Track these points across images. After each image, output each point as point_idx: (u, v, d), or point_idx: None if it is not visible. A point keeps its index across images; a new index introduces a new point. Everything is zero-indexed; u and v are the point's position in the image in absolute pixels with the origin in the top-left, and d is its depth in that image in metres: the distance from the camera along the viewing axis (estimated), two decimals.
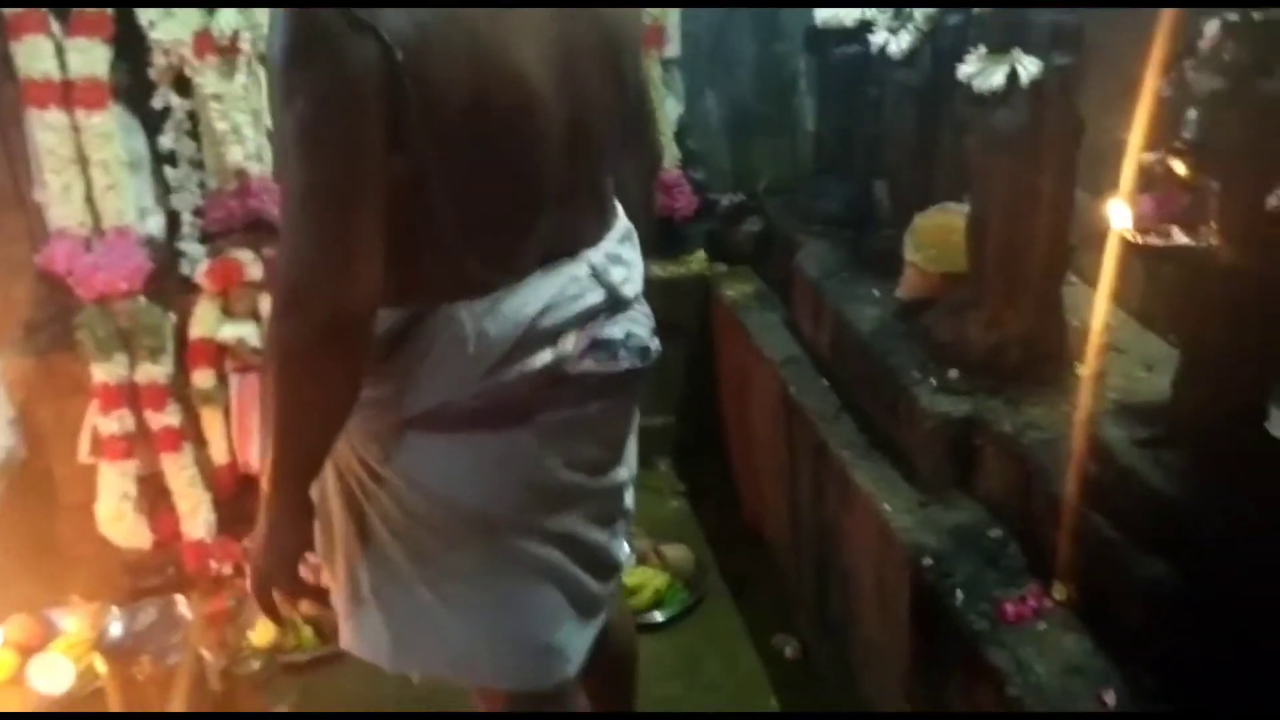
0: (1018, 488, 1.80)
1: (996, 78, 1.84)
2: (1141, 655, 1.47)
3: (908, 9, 2.28)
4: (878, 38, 2.35)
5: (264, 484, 1.38)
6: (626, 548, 1.70)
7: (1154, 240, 1.37)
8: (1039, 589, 1.65)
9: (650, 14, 2.92)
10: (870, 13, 2.51)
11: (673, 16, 2.99)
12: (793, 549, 2.59)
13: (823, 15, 2.63)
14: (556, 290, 1.41)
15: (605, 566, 1.62)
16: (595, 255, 1.47)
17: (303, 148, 1.21)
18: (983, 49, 1.90)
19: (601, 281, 1.46)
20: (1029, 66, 1.81)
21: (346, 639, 1.59)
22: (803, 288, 2.63)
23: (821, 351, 2.51)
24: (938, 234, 2.21)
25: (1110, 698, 1.43)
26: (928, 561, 1.78)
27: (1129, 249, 1.42)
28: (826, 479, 2.26)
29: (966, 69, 1.91)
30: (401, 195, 1.25)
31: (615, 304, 1.48)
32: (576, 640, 1.58)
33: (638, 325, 1.53)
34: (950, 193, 2.26)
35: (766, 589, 2.72)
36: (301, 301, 1.24)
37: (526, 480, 1.47)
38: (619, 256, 1.51)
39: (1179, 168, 1.33)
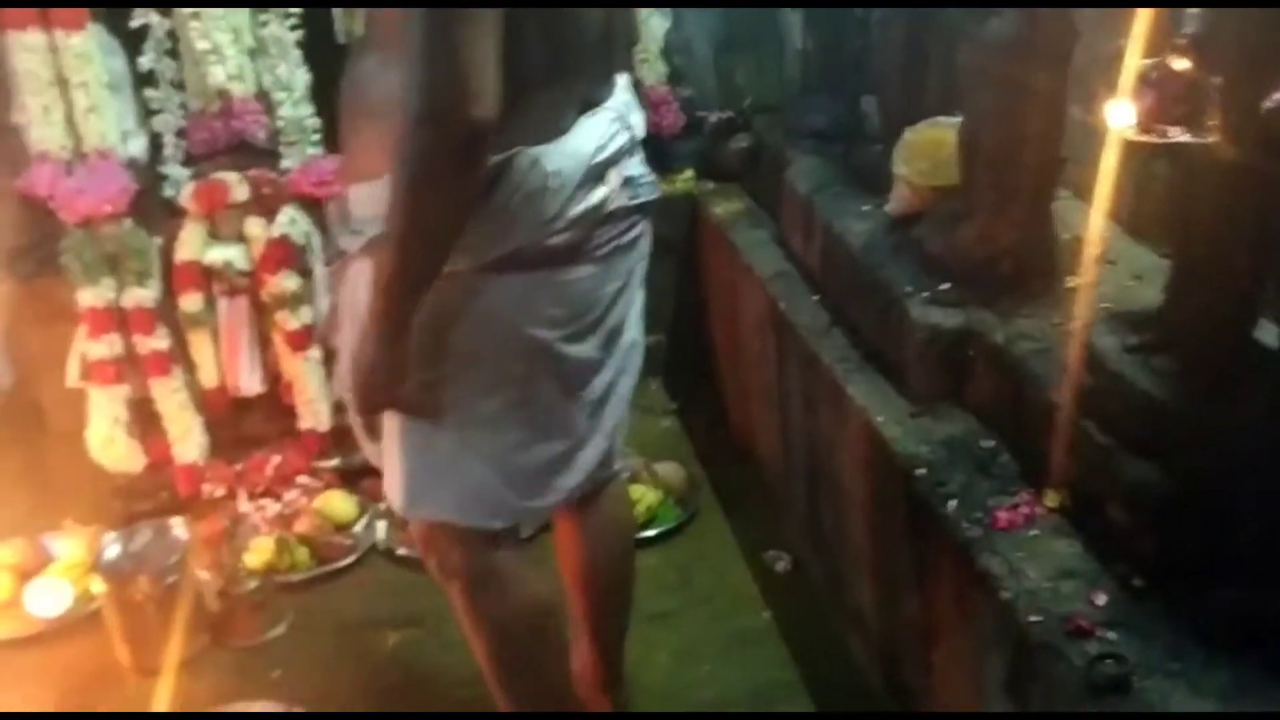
0: (1009, 398, 1.81)
1: None
2: (1132, 557, 1.49)
3: None
4: None
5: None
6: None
7: (1153, 138, 1.37)
8: (1031, 496, 1.67)
9: None
10: None
11: None
12: (784, 464, 2.61)
13: None
14: (600, 132, 1.57)
15: (612, 406, 1.76)
16: (616, 101, 1.62)
17: None
18: None
19: (624, 124, 1.62)
20: None
21: (387, 489, 1.71)
22: (792, 203, 2.62)
23: (811, 267, 2.51)
24: (928, 148, 2.20)
25: (1101, 599, 1.46)
26: (921, 472, 1.80)
27: (1127, 149, 1.41)
28: (817, 393, 2.27)
29: None
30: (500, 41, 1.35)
31: (633, 145, 1.65)
32: (570, 484, 1.74)
33: (643, 165, 1.70)
34: (940, 107, 2.25)
35: (758, 504, 2.75)
36: (437, 114, 1.32)
37: (588, 309, 1.63)
38: (630, 103, 1.67)
39: (1180, 64, 1.32)
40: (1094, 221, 1.74)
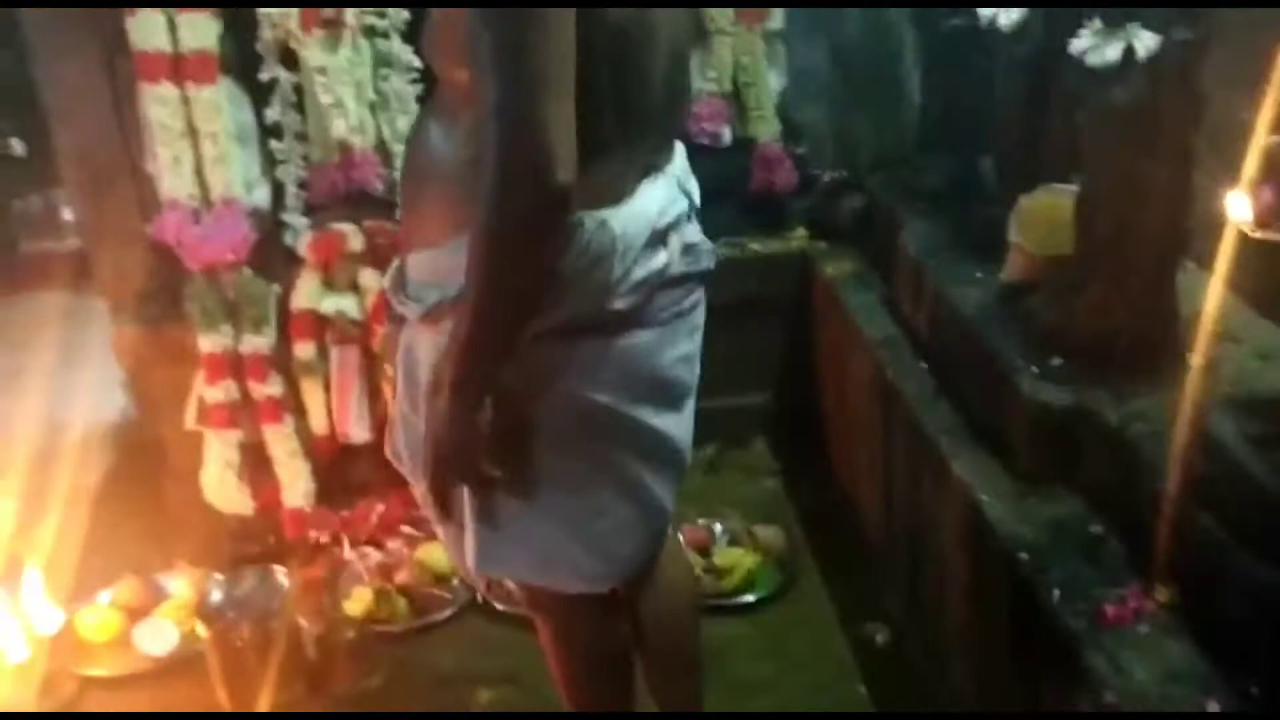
0: (1121, 482, 1.73)
1: (1111, 53, 1.76)
2: (1248, 662, 1.40)
3: None
4: (987, 10, 2.27)
5: (455, 371, 1.44)
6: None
7: (1273, 235, 1.30)
8: (1141, 590, 1.59)
9: None
10: None
11: None
12: (886, 533, 2.54)
13: None
14: (663, 197, 1.57)
15: (679, 471, 1.73)
16: (675, 167, 1.64)
17: (520, 44, 1.30)
18: (1098, 23, 1.82)
19: (683, 190, 1.63)
20: (1146, 42, 1.72)
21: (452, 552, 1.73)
22: (904, 266, 2.57)
23: (921, 332, 2.46)
24: (1044, 215, 2.14)
25: (1213, 707, 1.38)
26: (1024, 555, 1.73)
27: (1246, 242, 1.34)
28: (922, 464, 2.21)
29: (1080, 43, 1.83)
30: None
31: (691, 212, 1.66)
32: (644, 552, 1.74)
33: (700, 232, 1.69)
34: (1059, 172, 2.18)
35: (859, 573, 2.68)
36: (522, 179, 1.32)
37: (648, 375, 1.61)
38: (687, 169, 1.68)
39: None
40: (1217, 296, 1.66)
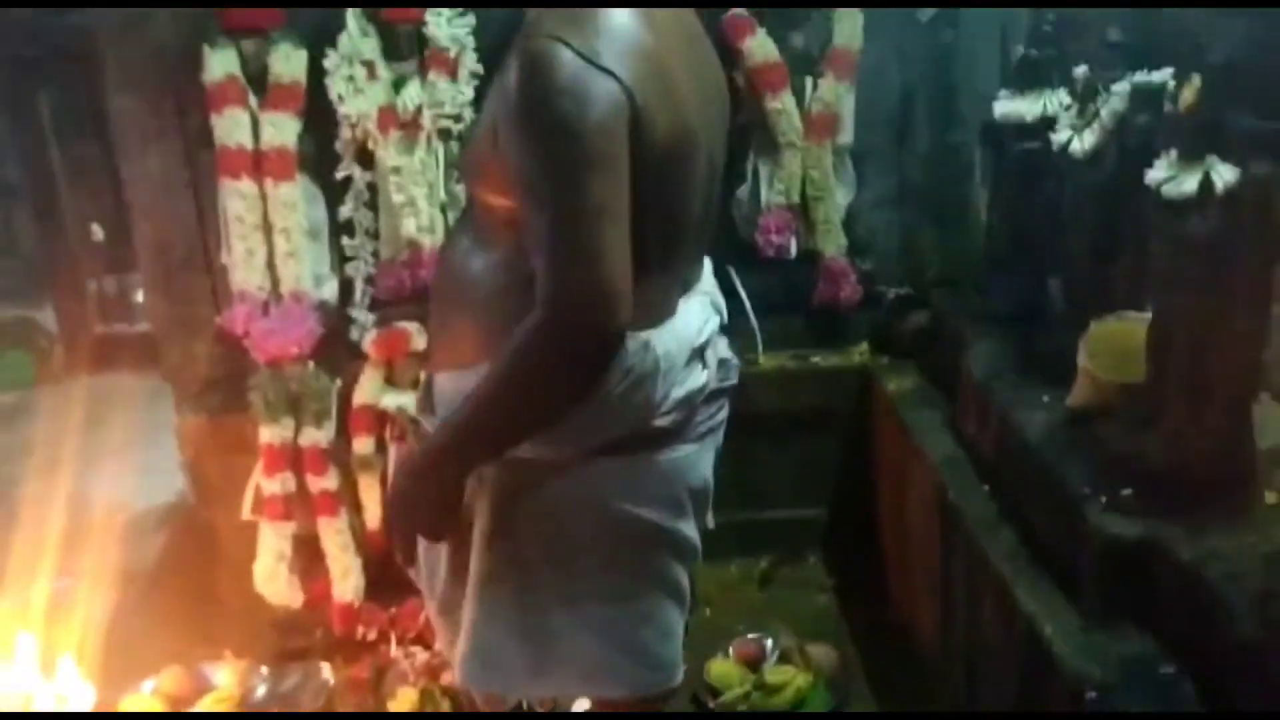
0: (1196, 623, 1.67)
1: (1189, 184, 1.75)
2: None
3: (1092, 107, 2.20)
4: (1060, 135, 2.27)
5: (447, 439, 1.47)
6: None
7: None
8: None
9: (824, 101, 2.90)
10: (1051, 108, 2.44)
11: (848, 104, 2.95)
12: (943, 658, 2.47)
13: (1001, 109, 2.56)
14: (699, 315, 1.62)
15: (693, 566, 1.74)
16: (706, 284, 1.69)
17: (575, 175, 1.32)
18: (1174, 153, 1.81)
19: (715, 308, 1.69)
20: (1224, 175, 1.71)
21: (472, 674, 1.65)
22: (968, 387, 2.53)
23: (984, 455, 2.41)
24: (1115, 341, 2.11)
25: None
26: (1092, 695, 1.67)
27: None
28: (983, 589, 2.15)
29: (1156, 174, 1.82)
30: None
31: (721, 328, 1.71)
32: (680, 646, 1.74)
33: (729, 348, 1.75)
34: (1130, 298, 2.16)
35: (913, 695, 2.61)
36: (577, 321, 1.34)
37: (689, 487, 1.63)
38: (715, 285, 1.73)
39: None
40: None
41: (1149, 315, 1.96)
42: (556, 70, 1.32)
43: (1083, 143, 2.20)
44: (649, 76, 1.37)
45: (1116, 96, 2.13)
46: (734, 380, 1.72)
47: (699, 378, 1.59)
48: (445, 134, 2.76)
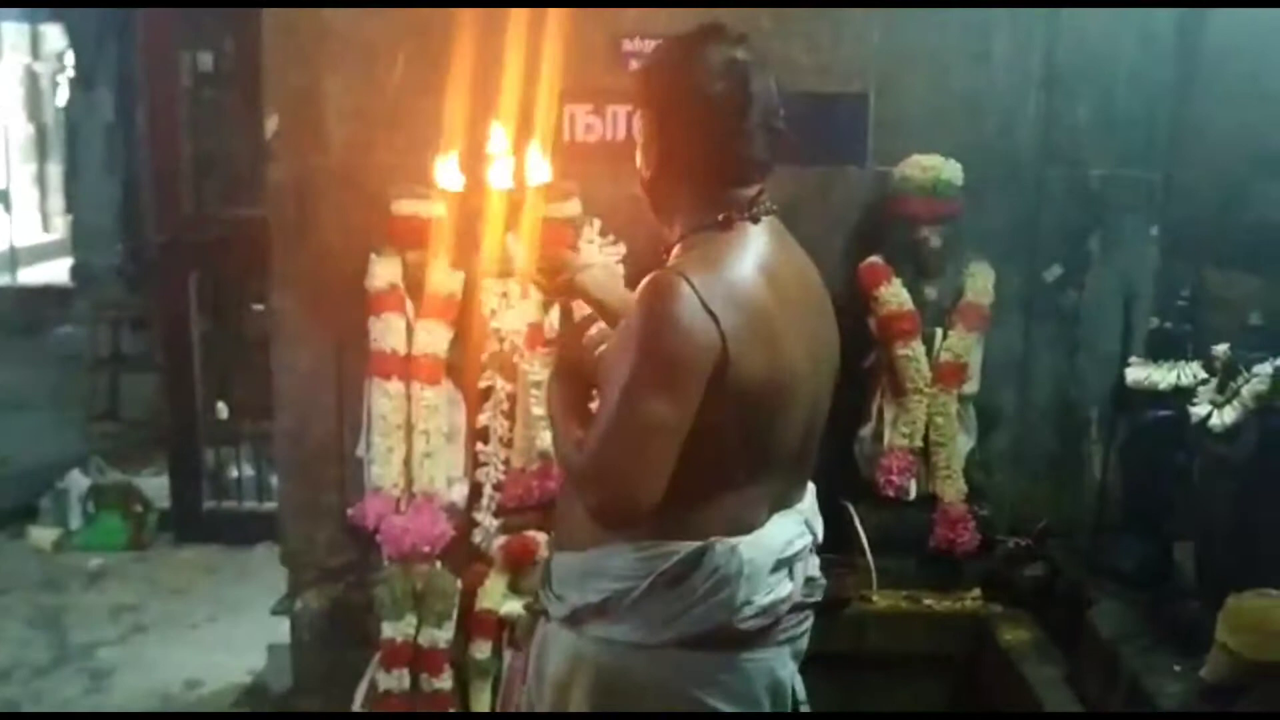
0: None
1: None
2: None
3: (1233, 385, 2.26)
4: (1199, 409, 2.33)
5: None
6: None
7: None
8: None
9: (953, 351, 2.99)
10: (1185, 379, 2.51)
11: (976, 355, 3.04)
12: None
13: (1134, 375, 2.63)
14: (789, 532, 1.73)
15: None
16: (805, 505, 1.80)
17: (648, 390, 1.55)
18: None
19: (809, 529, 1.79)
20: None
21: None
22: (1093, 647, 2.52)
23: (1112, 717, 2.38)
24: (1255, 618, 2.11)
25: None
26: None
27: None
28: None
29: None
30: (706, 445, 1.58)
31: (813, 547, 1.80)
32: None
33: (818, 567, 1.84)
34: (1270, 574, 2.16)
35: None
36: (607, 507, 1.59)
37: (763, 687, 1.72)
38: (814, 508, 1.84)
39: None
40: None
41: None
42: (672, 300, 1.55)
43: (1223, 418, 2.26)
44: (748, 325, 1.58)
45: (1259, 378, 2.19)
46: (819, 598, 1.82)
47: (784, 588, 1.71)
48: None
